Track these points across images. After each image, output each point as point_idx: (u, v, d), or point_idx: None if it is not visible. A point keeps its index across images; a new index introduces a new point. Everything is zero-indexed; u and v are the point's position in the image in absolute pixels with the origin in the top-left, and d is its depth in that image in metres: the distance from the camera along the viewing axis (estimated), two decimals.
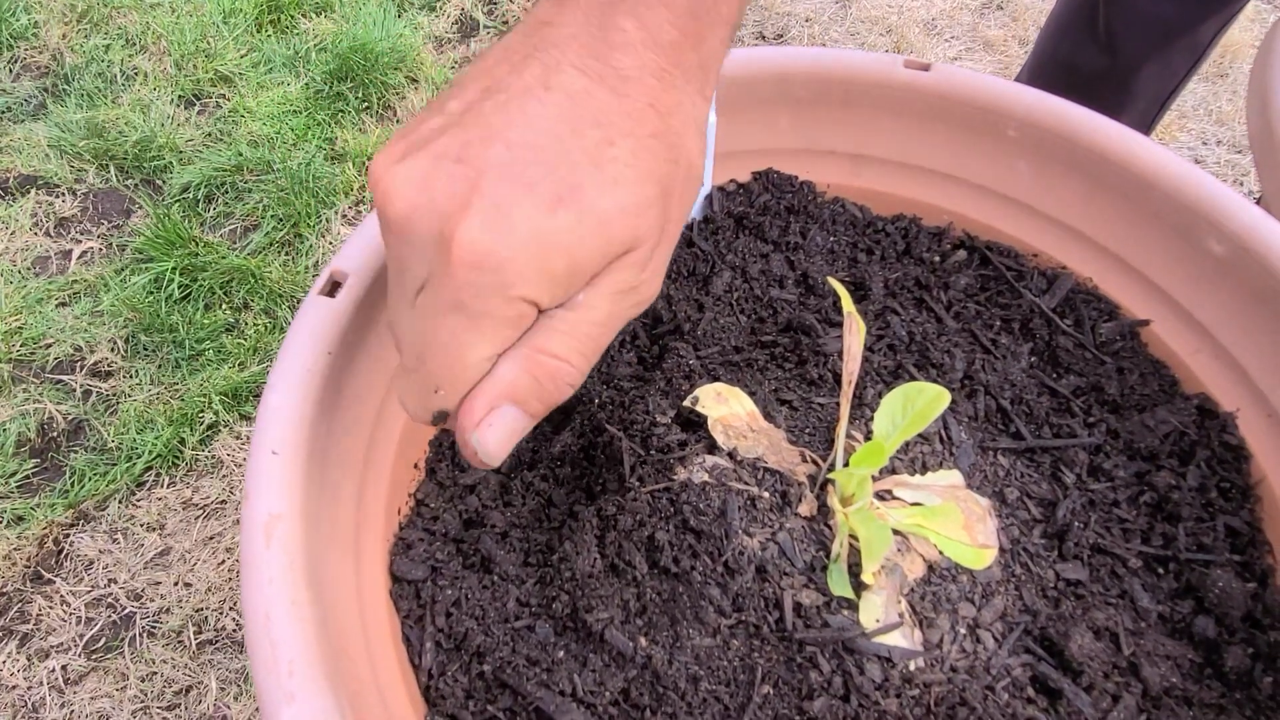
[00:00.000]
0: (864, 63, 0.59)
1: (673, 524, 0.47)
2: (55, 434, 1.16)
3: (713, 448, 0.50)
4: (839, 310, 0.59)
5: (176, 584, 1.04)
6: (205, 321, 1.25)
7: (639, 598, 0.46)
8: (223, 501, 1.11)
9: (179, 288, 1.28)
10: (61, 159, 1.45)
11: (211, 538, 1.08)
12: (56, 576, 1.05)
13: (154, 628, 1.01)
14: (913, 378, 0.56)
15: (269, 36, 1.68)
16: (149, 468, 1.13)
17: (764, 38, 1.81)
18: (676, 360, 0.55)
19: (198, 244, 1.32)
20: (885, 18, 1.86)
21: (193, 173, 1.44)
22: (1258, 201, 0.63)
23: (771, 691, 0.43)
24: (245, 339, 1.24)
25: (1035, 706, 0.45)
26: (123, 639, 1.01)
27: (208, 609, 1.02)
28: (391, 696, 0.41)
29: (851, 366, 0.49)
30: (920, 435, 0.53)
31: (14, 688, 0.97)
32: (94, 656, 0.99)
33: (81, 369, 1.22)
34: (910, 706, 0.43)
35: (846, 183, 0.64)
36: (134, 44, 1.66)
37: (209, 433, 1.16)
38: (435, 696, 0.43)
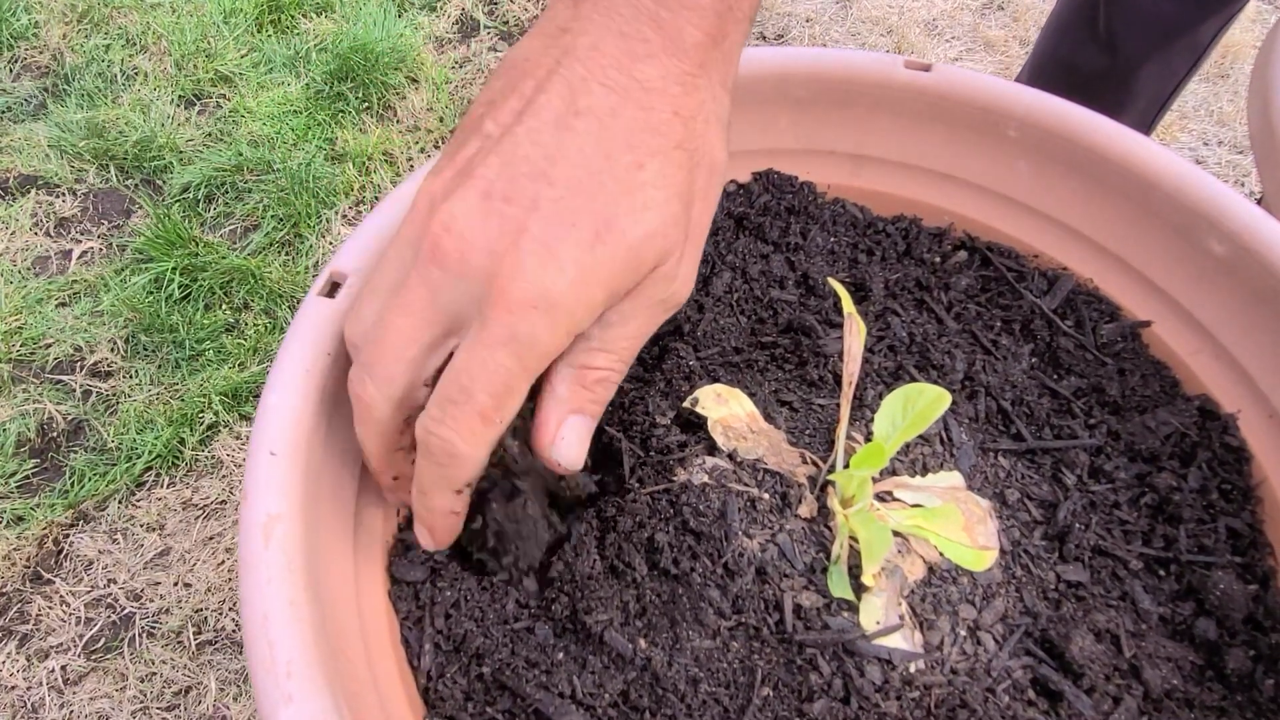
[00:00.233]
0: (864, 63, 0.59)
1: (672, 525, 0.47)
2: (55, 434, 1.16)
3: (713, 449, 0.50)
4: (839, 311, 0.58)
5: (176, 584, 1.04)
6: (205, 322, 1.25)
7: (639, 599, 0.46)
8: (222, 502, 1.11)
9: (179, 288, 1.28)
10: (62, 159, 1.45)
11: (211, 538, 1.08)
12: (56, 577, 1.05)
13: (153, 628, 1.01)
14: (913, 379, 0.56)
15: (269, 36, 1.68)
16: (149, 468, 1.13)
17: (764, 38, 1.81)
18: (676, 361, 0.54)
19: (198, 244, 1.32)
20: (886, 18, 1.86)
21: (193, 173, 1.44)
22: (1259, 201, 0.63)
23: (771, 693, 0.43)
24: (245, 339, 1.24)
25: (1036, 709, 0.45)
26: (122, 639, 1.00)
27: (207, 609, 1.02)
28: (390, 698, 0.41)
29: (852, 368, 0.49)
30: (921, 437, 0.53)
31: (13, 688, 0.96)
32: (93, 657, 0.99)
33: (81, 369, 1.22)
34: (910, 709, 0.43)
35: (847, 183, 0.64)
36: (134, 44, 1.66)
37: (209, 433, 1.16)
38: (434, 698, 0.43)
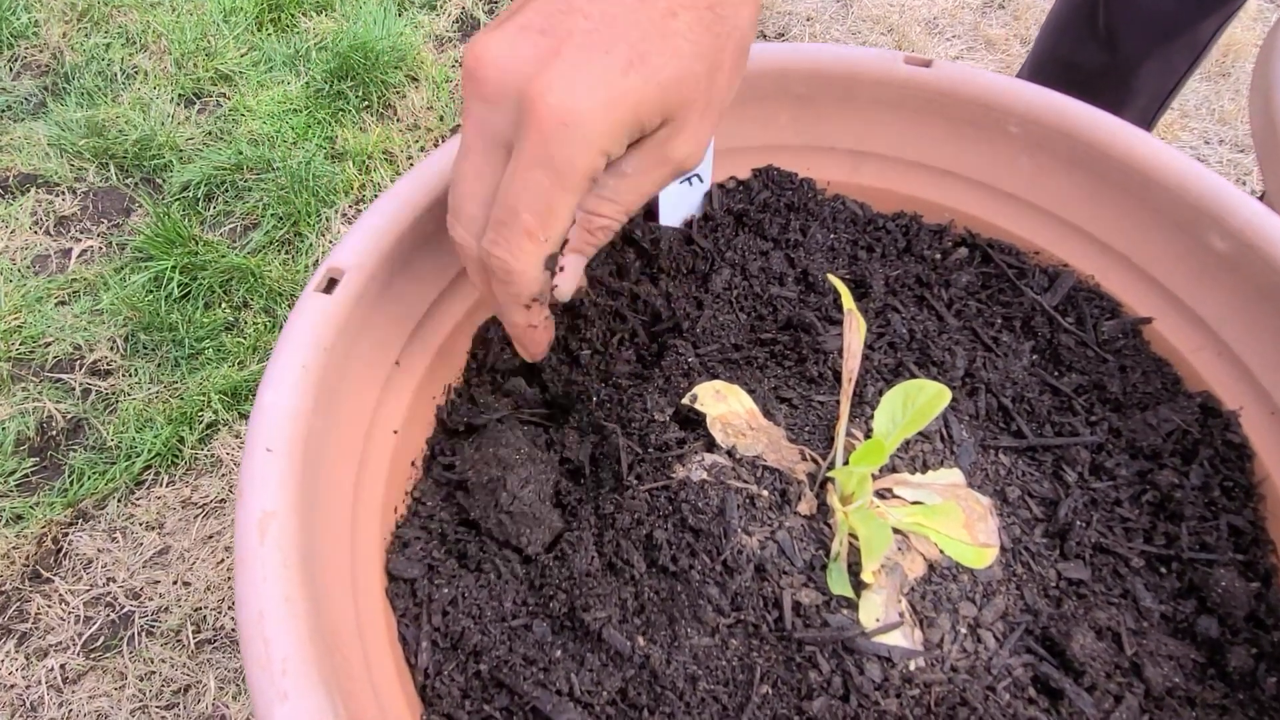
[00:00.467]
0: (864, 59, 0.59)
1: (671, 522, 0.47)
2: (54, 433, 1.16)
3: (711, 446, 0.50)
4: (839, 308, 0.58)
5: (175, 583, 1.04)
6: (205, 320, 1.25)
7: (637, 596, 0.45)
8: (222, 500, 1.11)
9: (179, 286, 1.28)
10: (61, 158, 1.45)
11: (210, 537, 1.08)
12: (55, 575, 1.05)
13: (152, 627, 1.01)
14: (913, 375, 0.55)
15: (269, 35, 1.68)
16: (148, 466, 1.12)
17: (765, 36, 1.81)
18: (675, 358, 0.54)
19: (197, 243, 1.32)
20: (886, 16, 1.85)
21: (193, 171, 1.43)
22: (1261, 198, 0.63)
23: (770, 691, 0.43)
24: (245, 338, 1.24)
25: (1037, 707, 0.44)
26: (121, 638, 1.00)
27: (206, 608, 1.02)
28: (387, 696, 0.41)
29: (852, 364, 0.49)
30: (921, 433, 0.53)
31: (12, 686, 0.96)
32: (92, 655, 0.99)
33: (81, 367, 1.22)
34: (910, 706, 0.43)
35: (847, 180, 0.64)
36: (134, 43, 1.66)
37: (208, 431, 1.16)
38: (431, 696, 0.43)
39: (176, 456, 1.13)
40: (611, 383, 0.54)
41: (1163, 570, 0.50)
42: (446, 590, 0.46)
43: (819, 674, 0.43)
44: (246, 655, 0.35)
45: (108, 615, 1.02)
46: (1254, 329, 0.52)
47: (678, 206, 0.62)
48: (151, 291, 1.27)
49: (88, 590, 1.04)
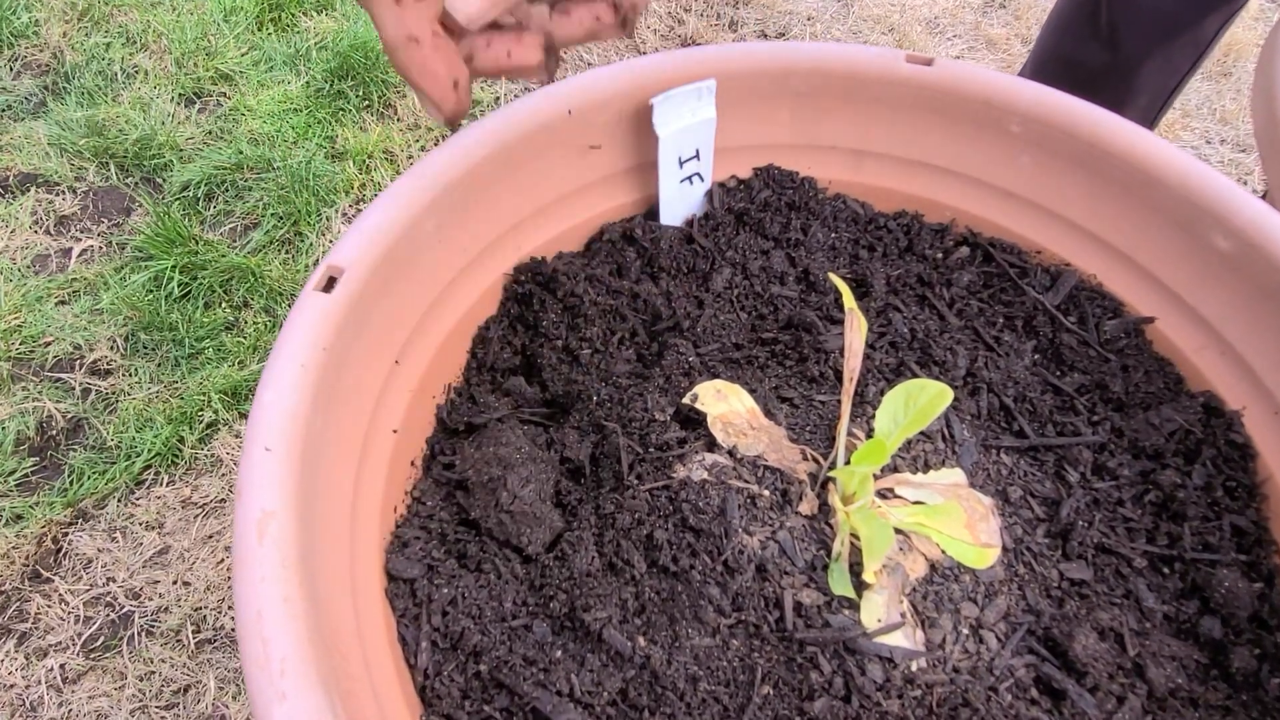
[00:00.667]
0: (866, 57, 0.59)
1: (672, 522, 0.46)
2: (54, 432, 1.16)
3: (712, 445, 0.50)
4: (840, 307, 0.58)
5: (175, 583, 1.04)
6: (205, 320, 1.25)
7: (637, 597, 0.45)
8: (222, 500, 1.10)
9: (179, 286, 1.27)
10: (62, 157, 1.45)
11: (210, 536, 1.07)
12: (55, 575, 1.04)
13: (152, 627, 1.01)
14: (915, 375, 0.55)
15: (269, 35, 1.67)
16: (148, 466, 1.12)
17: (765, 36, 1.81)
18: (676, 357, 0.54)
19: (198, 242, 1.32)
20: (887, 16, 1.85)
21: (193, 171, 1.43)
22: (1263, 197, 0.63)
23: (771, 692, 0.43)
24: (245, 337, 1.24)
25: (1039, 708, 0.44)
26: (121, 638, 1.00)
27: (206, 608, 1.02)
28: (386, 696, 0.40)
29: (853, 363, 0.48)
30: (922, 433, 0.53)
31: (12, 686, 0.96)
32: (92, 655, 0.99)
33: (81, 367, 1.21)
34: (912, 707, 0.43)
35: (848, 178, 0.64)
36: (135, 42, 1.66)
37: (208, 431, 1.16)
38: (431, 696, 0.43)
39: (176, 456, 1.13)
40: (612, 382, 0.54)
41: (1165, 571, 0.50)
42: (446, 590, 0.45)
43: (820, 675, 0.43)
44: (245, 655, 0.35)
45: (107, 615, 1.02)
46: (1257, 328, 0.52)
47: (678, 205, 0.61)
48: (151, 291, 1.27)
49: (87, 590, 1.03)
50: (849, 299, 0.48)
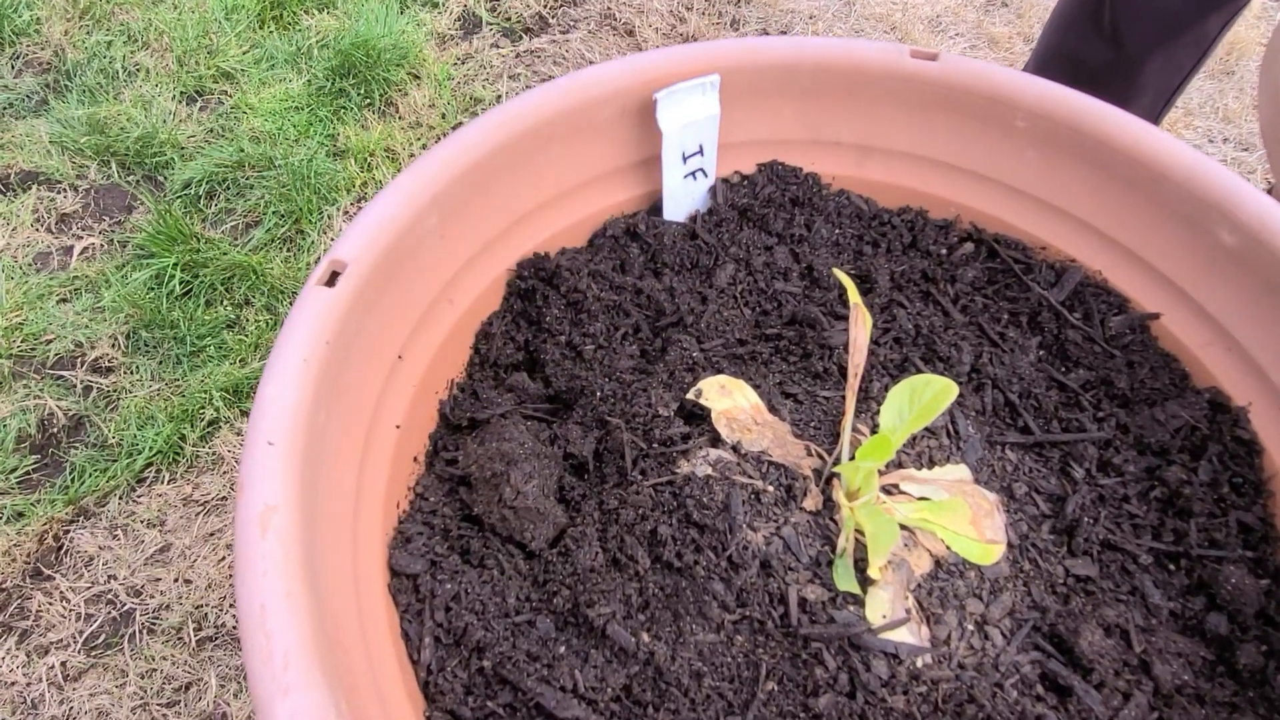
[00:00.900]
0: (870, 53, 0.59)
1: (675, 518, 0.46)
2: (56, 430, 1.15)
3: (716, 441, 0.50)
4: (844, 303, 0.58)
5: (176, 581, 1.03)
6: (206, 318, 1.25)
7: (641, 592, 0.45)
8: (223, 498, 1.10)
9: (180, 284, 1.27)
10: (63, 155, 1.45)
11: (212, 534, 1.07)
12: (56, 573, 1.04)
13: (154, 624, 1.01)
14: (919, 371, 0.55)
15: (271, 33, 1.67)
16: (149, 464, 1.12)
17: (768, 34, 1.81)
18: (679, 352, 0.54)
19: (199, 240, 1.32)
20: (889, 15, 1.85)
21: (194, 169, 1.43)
22: (1268, 192, 0.62)
23: (776, 688, 0.43)
24: (246, 335, 1.24)
25: (1045, 704, 0.44)
26: (122, 635, 1.00)
27: (208, 606, 1.01)
28: (389, 692, 0.40)
29: (857, 359, 0.48)
30: (927, 429, 0.52)
31: (13, 684, 0.96)
32: (93, 653, 0.99)
33: (82, 365, 1.21)
34: (917, 703, 0.43)
35: (852, 174, 0.63)
36: (136, 40, 1.65)
37: (209, 429, 1.15)
38: (434, 692, 0.43)
39: (178, 454, 1.13)
40: (615, 377, 0.54)
41: (1171, 567, 0.50)
42: (449, 586, 0.45)
43: (825, 671, 0.43)
44: (247, 649, 0.34)
45: (109, 613, 1.02)
46: (1263, 324, 0.52)
47: (682, 201, 0.61)
48: (153, 289, 1.27)
49: (89, 588, 1.03)
50: (854, 294, 0.47)
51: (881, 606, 0.45)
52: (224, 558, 1.06)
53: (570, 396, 0.54)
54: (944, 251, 0.62)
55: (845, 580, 0.45)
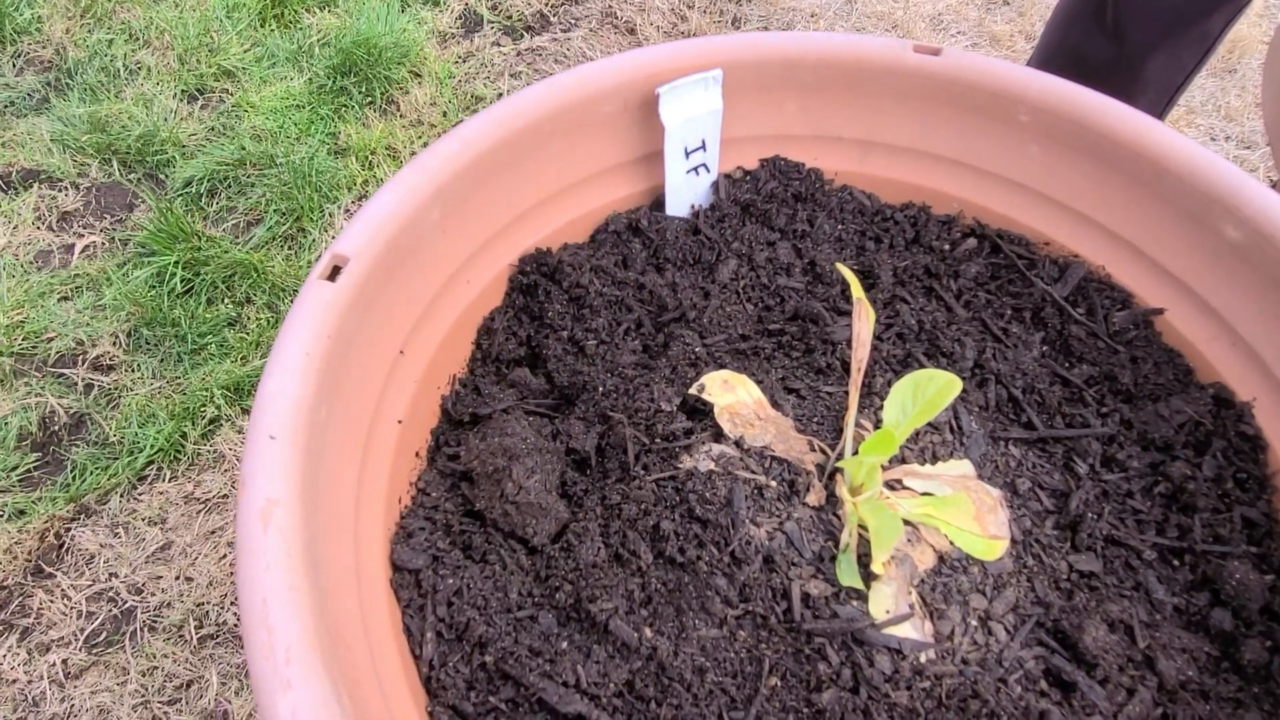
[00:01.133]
0: (873, 47, 0.59)
1: (678, 513, 0.46)
2: (57, 428, 1.15)
3: (719, 436, 0.50)
4: (847, 299, 0.58)
5: (178, 578, 1.03)
6: (207, 316, 1.25)
7: (644, 588, 0.45)
8: (224, 496, 1.10)
9: (181, 282, 1.27)
10: (64, 153, 1.45)
11: (213, 532, 1.07)
12: (57, 570, 1.04)
13: (155, 622, 1.01)
14: (922, 366, 0.55)
15: (272, 31, 1.67)
16: (150, 462, 1.12)
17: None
18: (682, 348, 0.54)
19: (200, 238, 1.31)
20: (891, 13, 1.85)
21: (195, 167, 1.43)
22: (1273, 186, 0.62)
23: (779, 683, 0.43)
24: (248, 333, 1.24)
25: (1048, 699, 0.44)
26: (124, 633, 1.00)
27: (209, 603, 1.01)
28: (391, 686, 0.40)
29: (860, 353, 0.48)
30: (930, 424, 0.52)
31: (14, 681, 0.96)
32: (95, 651, 0.99)
33: (83, 363, 1.21)
34: (921, 699, 0.42)
35: (855, 170, 0.63)
36: (137, 39, 1.65)
37: (211, 427, 1.15)
38: (436, 687, 0.43)
39: (179, 452, 1.13)
40: (618, 373, 0.53)
41: (1175, 563, 0.50)
42: (451, 581, 0.45)
43: (828, 666, 0.43)
44: (249, 643, 0.34)
45: (110, 610, 1.02)
46: (1268, 319, 0.52)
47: (684, 196, 0.61)
48: (154, 287, 1.27)
49: (90, 585, 1.03)
50: (857, 288, 0.47)
51: (885, 602, 0.45)
52: (225, 555, 1.06)
53: (572, 392, 0.54)
54: (947, 247, 0.61)
55: (848, 575, 0.45)
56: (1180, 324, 0.56)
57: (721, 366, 0.53)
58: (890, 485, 0.49)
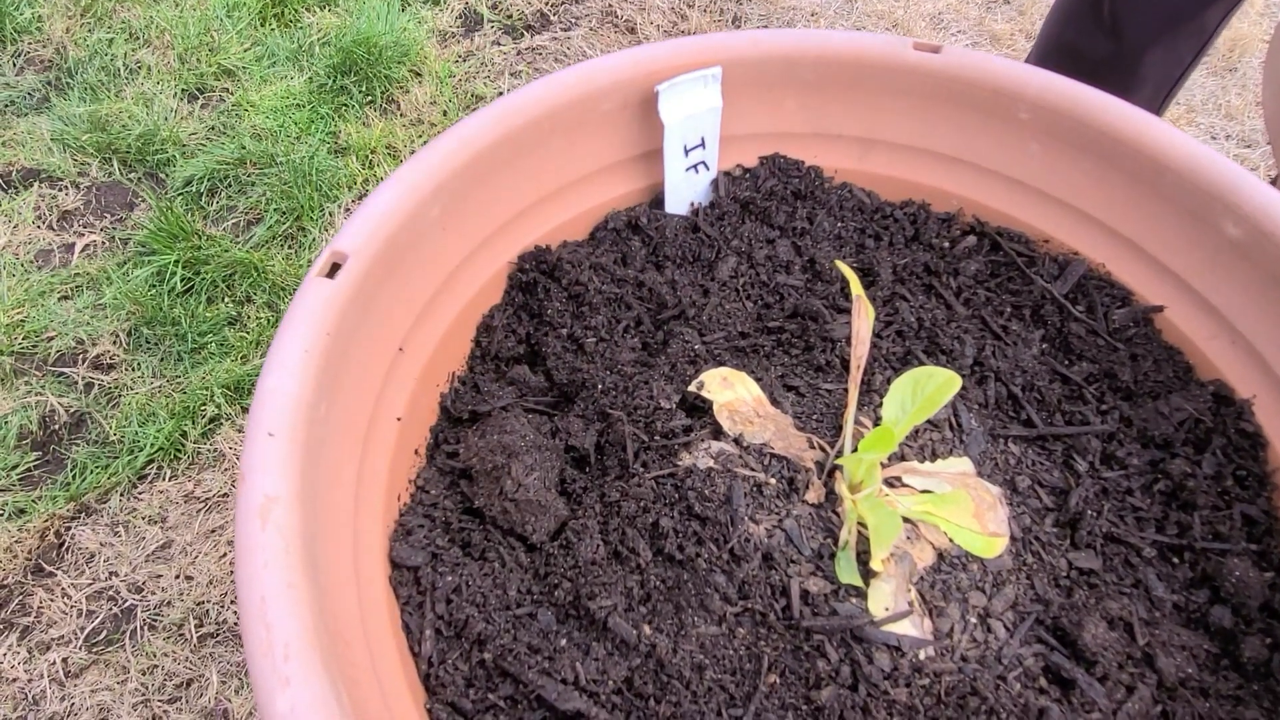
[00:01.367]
0: (873, 45, 0.58)
1: (677, 510, 0.46)
2: (57, 427, 1.15)
3: (718, 433, 0.49)
4: (846, 296, 0.58)
5: (178, 577, 1.03)
6: (208, 315, 1.25)
7: (643, 585, 0.45)
8: (224, 495, 1.10)
9: (181, 281, 1.27)
10: (64, 152, 1.45)
11: (213, 531, 1.07)
12: (57, 569, 1.04)
13: (155, 621, 1.01)
14: (922, 364, 0.55)
15: (272, 30, 1.67)
16: (150, 461, 1.12)
17: None
18: (681, 345, 0.54)
19: (200, 237, 1.31)
20: (891, 12, 1.85)
21: (196, 166, 1.43)
22: (1272, 182, 0.62)
23: (778, 680, 0.43)
24: (248, 332, 1.24)
25: (1048, 697, 0.44)
26: (124, 632, 1.00)
27: (209, 602, 1.01)
28: (390, 684, 0.40)
29: (860, 350, 0.48)
30: (930, 422, 0.52)
31: (14, 680, 0.96)
32: (95, 649, 0.99)
33: (83, 362, 1.21)
34: (920, 696, 0.42)
35: (854, 167, 0.63)
36: (138, 38, 1.65)
37: (211, 426, 1.15)
38: (435, 684, 0.42)
39: (179, 451, 1.13)
40: (617, 370, 0.53)
41: (1175, 560, 0.50)
42: (450, 578, 0.45)
43: (827, 663, 0.43)
44: (248, 641, 0.34)
45: (110, 609, 1.02)
46: (1267, 316, 0.52)
47: (684, 193, 0.61)
48: (154, 286, 1.27)
49: (90, 584, 1.03)
50: (856, 285, 0.47)
51: (884, 599, 0.45)
52: (225, 554, 1.06)
53: (572, 389, 0.54)
54: (947, 244, 0.61)
55: (847, 573, 0.45)
56: (1180, 321, 0.56)
57: (721, 364, 0.53)
58: (889, 482, 0.49)
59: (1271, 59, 0.63)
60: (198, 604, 1.02)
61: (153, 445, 1.13)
